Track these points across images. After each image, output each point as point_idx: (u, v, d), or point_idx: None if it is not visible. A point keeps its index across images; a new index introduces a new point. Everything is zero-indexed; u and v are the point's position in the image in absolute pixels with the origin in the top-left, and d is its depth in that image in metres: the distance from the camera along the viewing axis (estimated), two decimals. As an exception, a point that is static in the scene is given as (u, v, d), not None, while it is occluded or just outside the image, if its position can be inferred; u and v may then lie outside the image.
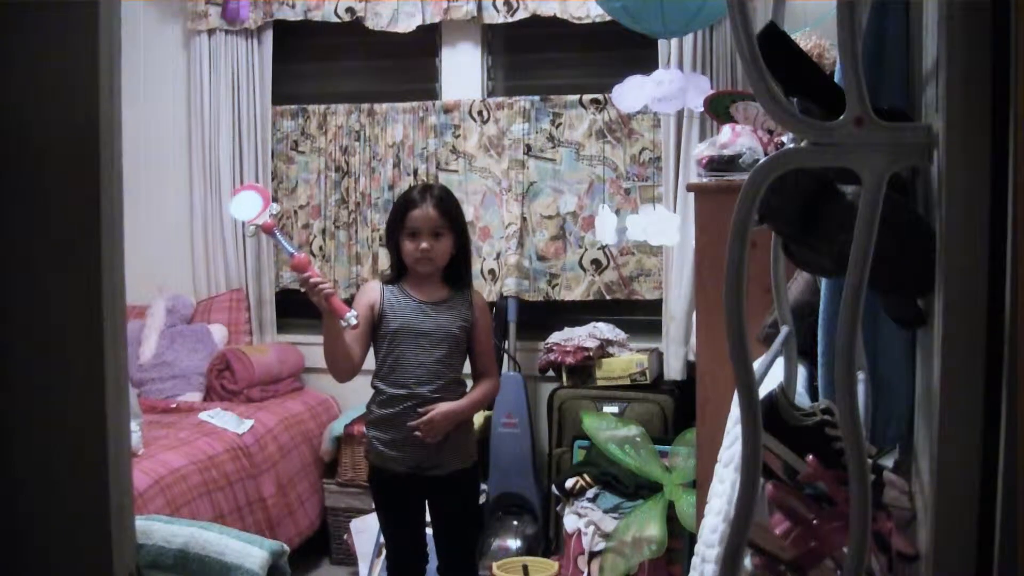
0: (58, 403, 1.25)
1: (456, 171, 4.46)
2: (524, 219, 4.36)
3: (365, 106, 4.53)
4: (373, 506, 3.13)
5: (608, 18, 3.61)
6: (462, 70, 4.50)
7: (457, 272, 2.97)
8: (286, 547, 2.26)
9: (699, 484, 3.23)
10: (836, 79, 1.61)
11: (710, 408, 3.07)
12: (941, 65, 1.18)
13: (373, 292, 2.94)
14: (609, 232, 3.92)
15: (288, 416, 4.21)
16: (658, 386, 4.00)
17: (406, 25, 4.38)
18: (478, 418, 4.13)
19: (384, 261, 4.49)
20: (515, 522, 4.05)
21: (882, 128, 1.20)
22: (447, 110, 4.46)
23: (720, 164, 3.15)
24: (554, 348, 4.04)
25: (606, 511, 3.69)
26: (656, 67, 3.89)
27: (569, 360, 3.98)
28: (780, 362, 1.88)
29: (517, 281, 4.30)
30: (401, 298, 2.91)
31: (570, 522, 3.73)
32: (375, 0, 4.41)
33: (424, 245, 2.86)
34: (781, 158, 1.24)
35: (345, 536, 4.06)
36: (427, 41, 4.50)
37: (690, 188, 3.41)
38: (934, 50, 1.30)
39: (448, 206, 2.91)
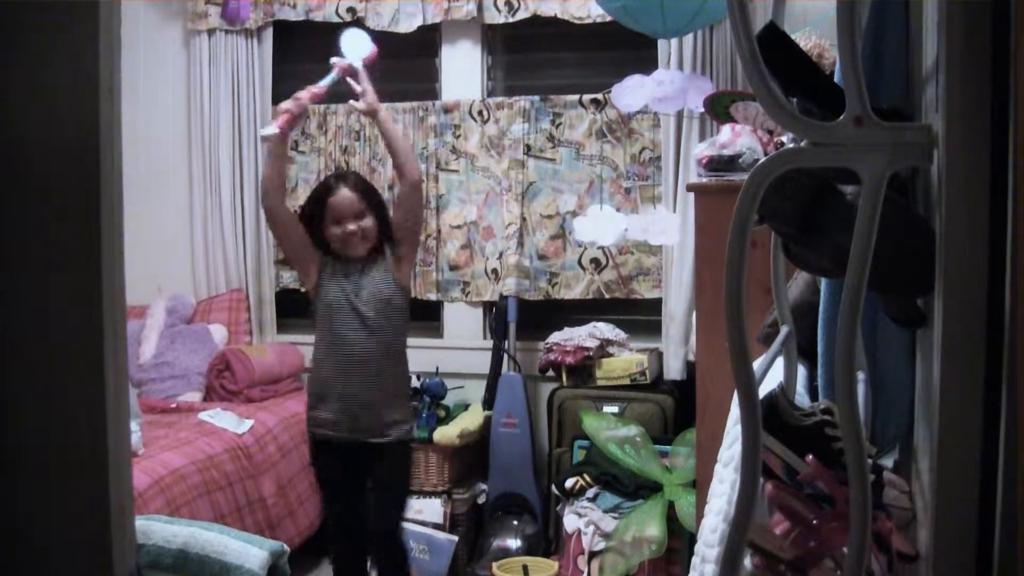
0: (58, 403, 1.25)
1: (457, 171, 4.46)
2: (524, 219, 4.36)
3: (365, 106, 4.52)
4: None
5: (608, 18, 3.60)
6: (462, 70, 4.49)
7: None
8: (286, 547, 2.25)
9: (699, 484, 3.23)
10: (836, 79, 1.61)
11: (710, 408, 3.07)
12: (941, 65, 1.18)
13: None
14: (603, 233, 3.87)
15: (288, 416, 4.20)
16: (658, 386, 4.00)
17: (407, 25, 4.38)
18: (478, 418, 4.15)
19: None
20: (515, 522, 4.05)
21: (882, 128, 1.20)
22: (447, 110, 4.46)
23: (720, 164, 3.15)
24: (554, 348, 4.04)
25: (606, 511, 3.69)
26: (656, 67, 3.89)
27: (569, 360, 3.98)
28: (780, 362, 1.88)
29: (517, 281, 4.30)
30: None
31: (570, 522, 3.73)
32: (376, 0, 4.41)
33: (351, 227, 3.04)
34: (781, 158, 1.24)
35: (345, 536, 4.06)
36: (427, 41, 4.50)
37: (690, 188, 3.41)
38: (934, 50, 1.30)
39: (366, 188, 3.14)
